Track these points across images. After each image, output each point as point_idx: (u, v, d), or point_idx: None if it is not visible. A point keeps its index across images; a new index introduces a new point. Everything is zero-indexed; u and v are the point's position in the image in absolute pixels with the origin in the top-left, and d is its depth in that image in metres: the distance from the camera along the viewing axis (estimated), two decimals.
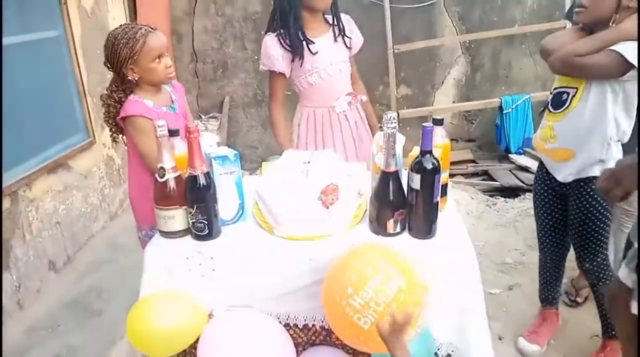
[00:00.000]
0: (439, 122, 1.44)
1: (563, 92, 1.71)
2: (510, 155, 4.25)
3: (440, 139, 1.46)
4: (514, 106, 4.13)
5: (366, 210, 1.43)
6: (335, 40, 1.99)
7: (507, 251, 2.67)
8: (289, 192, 1.41)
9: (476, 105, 4.38)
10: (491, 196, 3.67)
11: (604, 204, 1.72)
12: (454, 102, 4.61)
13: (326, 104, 2.03)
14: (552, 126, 1.74)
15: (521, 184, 3.77)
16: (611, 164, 1.68)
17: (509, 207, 3.22)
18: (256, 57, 4.56)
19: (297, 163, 1.53)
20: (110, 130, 1.83)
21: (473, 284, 1.33)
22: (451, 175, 4.25)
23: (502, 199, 3.48)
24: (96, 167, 3.42)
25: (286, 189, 1.42)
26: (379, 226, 1.36)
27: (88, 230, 3.26)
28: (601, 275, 1.82)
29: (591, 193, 1.72)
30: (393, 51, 4.11)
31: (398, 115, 4.26)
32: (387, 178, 1.32)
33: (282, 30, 1.93)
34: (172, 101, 1.81)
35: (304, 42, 1.92)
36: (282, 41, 1.93)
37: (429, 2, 4.24)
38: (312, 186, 1.41)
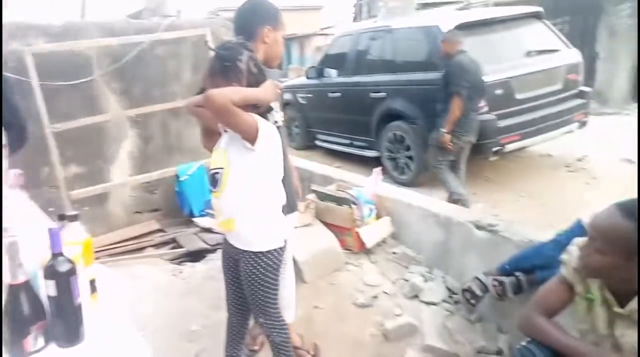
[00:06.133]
0: (72, 218, 1.40)
1: (215, 173, 1.86)
2: (194, 219, 4.46)
3: (78, 235, 1.42)
4: (189, 173, 4.39)
5: None
6: None
7: (193, 317, 2.74)
8: None
9: (152, 176, 4.46)
10: (180, 263, 3.73)
11: (266, 272, 1.92)
12: (130, 175, 4.57)
13: None
14: (214, 203, 1.89)
15: (206, 245, 3.99)
16: (273, 237, 1.92)
17: (194, 272, 3.33)
18: None
19: None
20: None
21: None
22: (142, 249, 4.18)
23: (190, 264, 3.58)
24: None
25: None
26: (16, 348, 1.20)
27: None
28: (272, 327, 2.03)
29: (253, 263, 1.89)
30: (52, 130, 3.81)
31: (69, 196, 3.94)
32: (17, 291, 1.19)
33: None
34: None
35: None
36: None
37: (82, 80, 4.14)
38: None
